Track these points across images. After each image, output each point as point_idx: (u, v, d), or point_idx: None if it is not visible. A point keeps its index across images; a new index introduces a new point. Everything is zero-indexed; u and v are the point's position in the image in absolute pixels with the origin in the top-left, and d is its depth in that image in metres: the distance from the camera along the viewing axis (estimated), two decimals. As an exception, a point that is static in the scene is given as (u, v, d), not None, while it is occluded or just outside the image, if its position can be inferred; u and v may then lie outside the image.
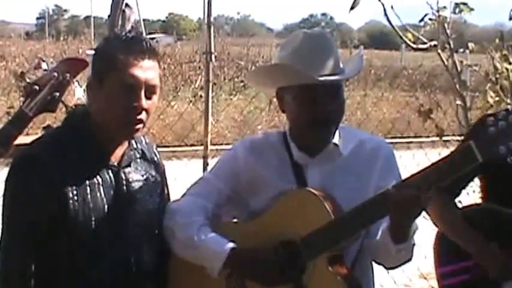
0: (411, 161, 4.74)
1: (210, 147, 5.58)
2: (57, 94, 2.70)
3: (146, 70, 2.37)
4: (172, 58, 18.16)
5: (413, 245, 2.45)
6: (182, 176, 4.08)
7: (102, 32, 19.60)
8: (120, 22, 4.05)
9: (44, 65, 2.72)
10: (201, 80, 15.77)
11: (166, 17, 56.29)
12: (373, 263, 2.61)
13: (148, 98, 2.38)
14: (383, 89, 16.72)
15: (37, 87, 2.68)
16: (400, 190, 2.24)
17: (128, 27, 4.15)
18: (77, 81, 2.80)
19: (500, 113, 2.16)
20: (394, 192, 2.25)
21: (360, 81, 16.74)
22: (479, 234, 2.82)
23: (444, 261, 2.96)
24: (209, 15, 4.63)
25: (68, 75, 2.70)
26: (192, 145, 12.25)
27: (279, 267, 2.42)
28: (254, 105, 15.45)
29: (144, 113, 2.38)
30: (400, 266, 2.53)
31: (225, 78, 17.95)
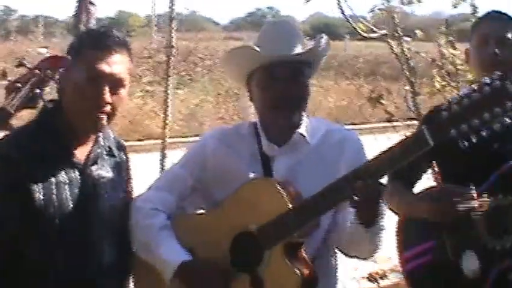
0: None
1: (167, 139, 5.74)
2: (38, 91, 2.79)
3: (112, 64, 2.41)
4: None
5: (382, 230, 2.45)
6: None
7: (52, 31, 19.42)
8: (84, 19, 4.16)
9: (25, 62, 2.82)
10: (152, 75, 15.82)
11: (115, 14, 55.47)
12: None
13: (114, 92, 2.43)
14: (330, 79, 16.89)
15: (19, 85, 2.77)
16: (357, 181, 2.27)
17: (93, 23, 4.25)
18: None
19: (454, 97, 2.23)
20: (353, 185, 2.27)
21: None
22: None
23: (406, 246, 3.01)
24: (172, 10, 4.73)
25: (49, 72, 2.79)
26: (139, 139, 12.24)
27: (223, 282, 2.45)
28: (201, 98, 15.58)
29: (108, 106, 2.42)
30: (371, 256, 2.59)
31: (172, 73, 17.95)
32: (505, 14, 3.09)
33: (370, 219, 2.37)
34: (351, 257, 2.60)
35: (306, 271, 2.36)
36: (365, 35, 4.87)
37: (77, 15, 3.71)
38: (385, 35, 4.85)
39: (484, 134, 2.11)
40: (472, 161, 2.79)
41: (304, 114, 2.60)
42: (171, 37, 4.80)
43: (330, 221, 2.54)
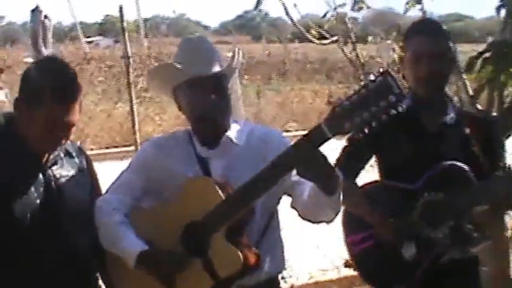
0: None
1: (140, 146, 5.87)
2: None
3: (70, 113, 2.65)
4: (112, 60, 18.19)
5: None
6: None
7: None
8: (41, 33, 4.32)
9: None
10: (142, 82, 15.87)
11: (103, 19, 55.35)
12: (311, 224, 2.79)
13: (69, 128, 2.69)
14: (320, 82, 16.91)
15: None
16: (274, 169, 2.47)
17: (49, 36, 4.41)
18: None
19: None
20: (272, 173, 2.48)
21: (294, 75, 16.91)
22: (376, 208, 3.19)
23: (350, 231, 3.32)
24: (122, 21, 4.84)
25: None
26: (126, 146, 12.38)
27: (177, 267, 2.69)
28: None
29: (64, 137, 2.70)
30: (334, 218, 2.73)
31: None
32: (436, 24, 3.21)
33: (329, 189, 2.53)
34: (311, 222, 2.76)
35: (247, 252, 2.64)
36: (316, 41, 4.96)
37: (34, 30, 3.84)
38: (337, 40, 4.94)
39: (374, 125, 2.29)
40: (408, 160, 3.13)
41: (230, 118, 2.82)
42: (126, 47, 4.92)
43: (268, 214, 2.80)
